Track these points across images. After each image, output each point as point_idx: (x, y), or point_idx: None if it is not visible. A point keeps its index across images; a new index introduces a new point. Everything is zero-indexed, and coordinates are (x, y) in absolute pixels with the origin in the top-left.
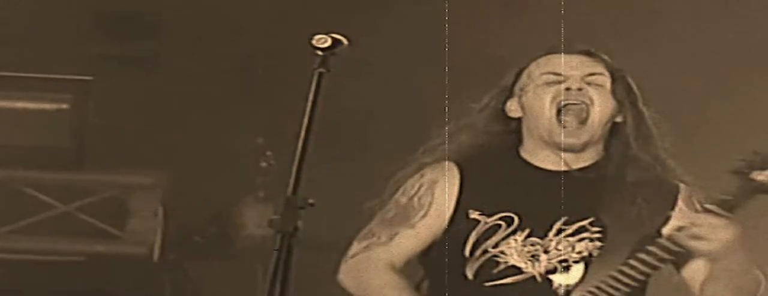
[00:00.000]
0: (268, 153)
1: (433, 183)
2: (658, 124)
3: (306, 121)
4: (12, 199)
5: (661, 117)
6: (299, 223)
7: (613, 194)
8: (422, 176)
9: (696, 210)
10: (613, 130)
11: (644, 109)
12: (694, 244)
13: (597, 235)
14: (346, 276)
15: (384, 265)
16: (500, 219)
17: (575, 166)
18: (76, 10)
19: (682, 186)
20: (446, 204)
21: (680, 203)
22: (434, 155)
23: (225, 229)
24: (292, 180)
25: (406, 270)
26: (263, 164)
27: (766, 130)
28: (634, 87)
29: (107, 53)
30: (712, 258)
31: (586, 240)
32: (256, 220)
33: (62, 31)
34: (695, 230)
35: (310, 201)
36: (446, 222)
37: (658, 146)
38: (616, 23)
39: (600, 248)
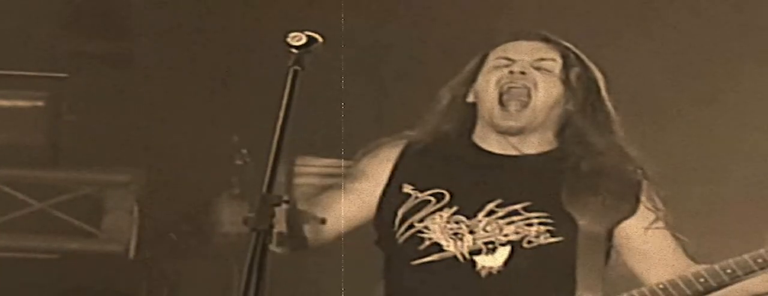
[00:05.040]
0: (244, 150)
1: (377, 149)
2: (618, 111)
3: (281, 118)
4: None
5: (620, 103)
6: (274, 220)
7: (575, 183)
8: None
9: (656, 207)
10: (571, 119)
11: (604, 96)
12: None
13: (538, 220)
14: None
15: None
16: (431, 194)
17: (525, 152)
18: (51, 7)
19: (644, 181)
20: (381, 174)
21: (643, 198)
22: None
23: (200, 227)
24: (266, 178)
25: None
26: (238, 162)
27: (741, 130)
28: (596, 73)
29: (82, 50)
30: None
31: (517, 224)
32: (231, 218)
33: (37, 28)
34: None
35: (285, 198)
36: (381, 192)
37: (615, 133)
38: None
39: (550, 233)
